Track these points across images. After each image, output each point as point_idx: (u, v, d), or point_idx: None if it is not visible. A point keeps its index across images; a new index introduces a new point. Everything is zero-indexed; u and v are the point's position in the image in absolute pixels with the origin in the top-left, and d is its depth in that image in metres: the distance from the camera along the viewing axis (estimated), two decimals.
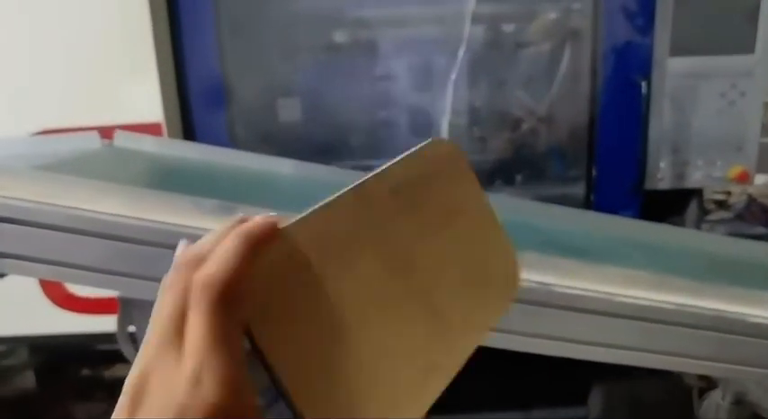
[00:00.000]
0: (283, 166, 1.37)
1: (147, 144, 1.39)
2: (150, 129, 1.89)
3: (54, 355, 2.30)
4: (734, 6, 2.08)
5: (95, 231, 0.84)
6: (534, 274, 0.85)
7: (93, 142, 1.40)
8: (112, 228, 0.84)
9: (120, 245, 0.84)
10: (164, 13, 1.84)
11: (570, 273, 0.90)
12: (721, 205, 3.32)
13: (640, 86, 1.96)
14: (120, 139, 1.40)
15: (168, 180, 1.26)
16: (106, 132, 1.78)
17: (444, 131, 2.02)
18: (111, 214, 0.84)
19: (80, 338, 1.90)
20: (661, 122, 2.13)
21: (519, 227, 1.32)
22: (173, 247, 0.88)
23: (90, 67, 1.86)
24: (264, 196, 1.20)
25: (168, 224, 0.84)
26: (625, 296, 0.90)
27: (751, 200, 3.31)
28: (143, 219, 0.85)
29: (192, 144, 1.53)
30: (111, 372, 2.36)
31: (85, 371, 2.45)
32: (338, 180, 1.41)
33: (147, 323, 0.99)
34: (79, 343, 1.97)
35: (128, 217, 0.84)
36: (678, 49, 2.08)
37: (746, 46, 2.13)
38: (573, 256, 1.03)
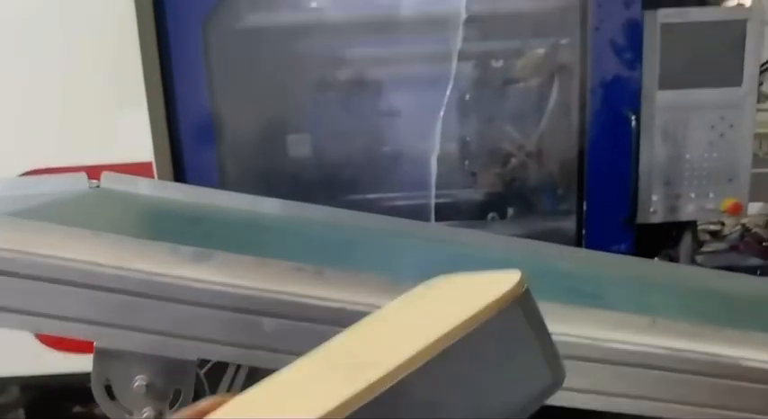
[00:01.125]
0: (272, 206, 1.36)
1: (135, 185, 1.38)
2: (140, 167, 1.89)
3: (44, 393, 2.27)
4: (719, 40, 2.11)
5: (70, 280, 0.82)
6: None
7: (81, 184, 1.39)
8: (88, 277, 0.82)
9: (96, 294, 0.83)
10: (154, 52, 1.86)
11: (558, 317, 0.88)
12: (715, 235, 3.31)
13: (630, 120, 1.97)
14: (108, 181, 1.39)
15: (153, 224, 1.25)
16: (95, 172, 1.79)
17: (433, 167, 2.02)
18: (87, 262, 0.83)
19: (70, 377, 1.86)
20: (652, 155, 2.14)
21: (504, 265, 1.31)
22: (149, 296, 0.87)
23: (80, 106, 1.87)
24: (249, 239, 1.19)
25: (145, 272, 0.83)
26: (613, 340, 0.88)
27: (745, 230, 3.30)
28: (120, 268, 0.83)
29: (181, 185, 1.53)
30: (102, 410, 2.31)
31: (77, 409, 2.41)
32: (327, 219, 1.40)
33: (124, 374, 0.96)
34: (69, 381, 1.94)
35: (104, 265, 0.83)
36: (666, 83, 2.10)
37: (734, 79, 2.16)
38: (561, 297, 1.01)
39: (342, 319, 0.77)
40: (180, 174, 1.93)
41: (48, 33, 1.83)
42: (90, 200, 1.33)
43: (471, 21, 1.92)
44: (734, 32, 2.09)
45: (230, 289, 0.82)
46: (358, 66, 2.05)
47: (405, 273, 1.08)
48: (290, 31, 2.00)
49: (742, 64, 2.12)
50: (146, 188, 1.40)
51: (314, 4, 2.05)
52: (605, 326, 0.89)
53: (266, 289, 0.82)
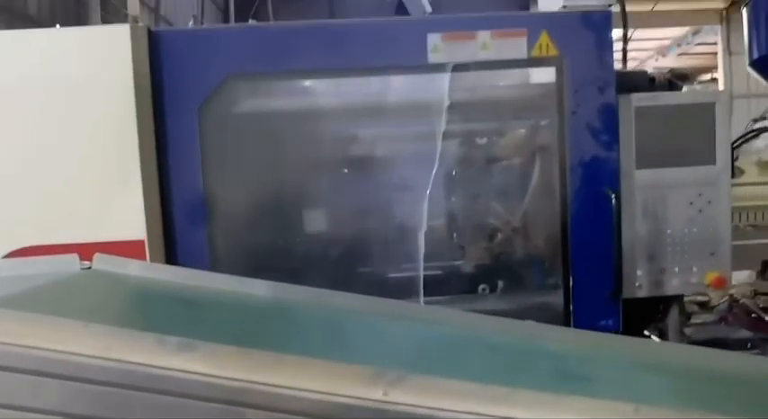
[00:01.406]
0: (260, 288, 1.37)
1: (126, 267, 1.40)
2: (133, 245, 1.91)
3: None
4: (691, 122, 2.22)
5: (56, 372, 0.82)
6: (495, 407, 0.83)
7: (73, 265, 1.41)
8: (73, 369, 0.82)
9: (81, 386, 0.83)
10: (151, 136, 1.93)
11: (545, 407, 0.88)
12: (704, 306, 3.32)
13: (610, 198, 2.04)
14: (100, 262, 1.41)
15: (143, 308, 1.26)
16: (89, 249, 1.80)
17: (422, 242, 2.06)
18: (73, 353, 0.83)
19: None
20: (634, 231, 2.19)
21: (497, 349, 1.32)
22: (135, 388, 0.86)
23: (77, 186, 1.91)
24: (237, 323, 1.19)
25: (131, 363, 0.83)
26: None
27: (733, 301, 3.32)
28: (105, 358, 0.83)
29: (171, 268, 1.55)
30: None
31: None
32: (314, 300, 1.41)
33: None
34: None
35: (89, 356, 0.83)
36: (644, 162, 2.19)
37: (707, 158, 2.25)
38: (551, 381, 1.02)
39: (326, 412, 0.78)
40: (172, 253, 1.95)
41: (50, 116, 1.91)
42: (81, 282, 1.34)
43: (454, 106, 2.02)
44: (704, 115, 2.21)
45: (215, 380, 0.82)
46: (348, 148, 2.14)
47: (395, 359, 1.08)
48: (283, 116, 2.10)
49: (714, 143, 2.23)
50: (137, 270, 1.41)
51: (307, 91, 2.16)
52: (590, 414, 0.89)
53: (250, 380, 0.82)
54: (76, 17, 9.32)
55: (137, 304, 1.31)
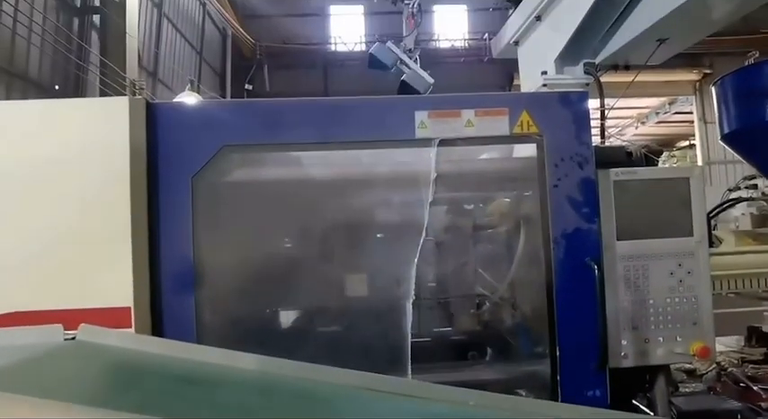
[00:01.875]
0: (246, 361, 1.37)
1: (111, 338, 1.40)
2: (119, 312, 1.91)
3: None
4: (668, 195, 2.31)
5: None
6: None
7: (57, 336, 1.40)
8: None
9: None
10: (143, 206, 1.97)
11: None
12: (691, 374, 3.31)
13: (592, 268, 2.08)
14: (85, 333, 1.40)
15: (125, 383, 1.25)
16: (75, 316, 1.80)
17: (409, 311, 2.07)
18: None
19: None
20: (617, 302, 2.23)
21: None
22: None
23: (66, 253, 1.93)
24: (222, 400, 1.19)
25: None
26: None
27: (721, 369, 3.32)
28: None
29: (156, 339, 1.54)
30: None
31: None
32: (301, 375, 1.40)
33: None
34: None
35: None
36: (624, 234, 2.26)
37: (685, 229, 2.33)
38: None
39: None
40: (158, 320, 1.95)
41: (43, 184, 1.94)
42: (64, 354, 1.33)
43: (441, 178, 2.09)
44: (679, 188, 2.31)
45: None
46: (337, 218, 2.18)
47: None
48: (274, 186, 2.15)
49: (690, 216, 2.31)
50: (121, 341, 1.41)
51: (299, 162, 2.23)
52: None
53: None
54: (76, 80, 9.58)
55: (120, 378, 1.30)
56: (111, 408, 0.95)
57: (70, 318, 1.78)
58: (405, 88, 2.90)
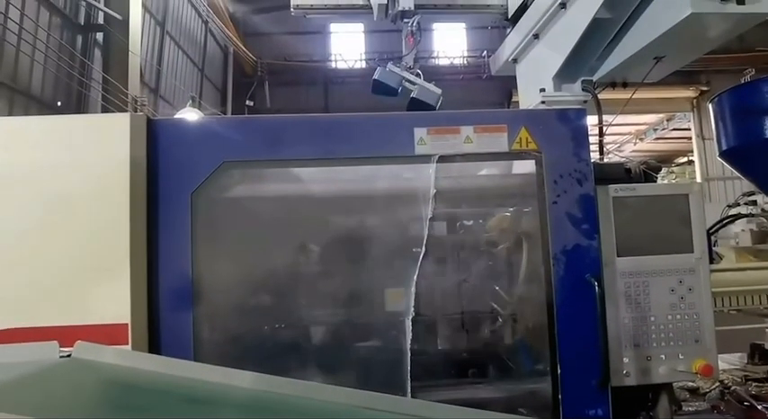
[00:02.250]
0: (243, 380, 1.36)
1: (106, 355, 1.38)
2: (117, 329, 1.90)
3: None
4: (667, 212, 2.31)
5: None
6: None
7: (52, 353, 1.39)
8: None
9: None
10: (143, 220, 1.97)
11: None
12: (695, 392, 3.27)
13: (593, 285, 2.07)
14: (80, 351, 1.39)
15: (119, 402, 1.23)
16: (71, 333, 1.78)
17: (408, 328, 2.05)
18: None
19: None
20: (618, 319, 2.21)
21: None
22: None
23: (63, 269, 1.92)
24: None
25: None
26: None
27: (724, 387, 3.28)
28: None
29: (152, 357, 1.53)
30: None
31: None
32: (299, 394, 1.38)
33: None
34: None
35: None
36: (624, 250, 2.25)
37: (685, 246, 2.32)
38: None
39: None
40: (155, 337, 1.93)
41: (42, 200, 1.94)
42: (59, 372, 1.32)
43: (441, 194, 2.09)
44: (679, 205, 2.31)
45: None
46: (338, 234, 2.18)
47: None
48: (274, 202, 2.15)
49: (690, 232, 2.31)
50: (117, 358, 1.40)
51: (299, 178, 2.23)
52: None
53: None
54: (78, 96, 9.65)
55: (114, 397, 1.28)
56: None
57: (67, 335, 1.76)
58: (416, 105, 2.88)
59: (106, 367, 1.37)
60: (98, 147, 1.99)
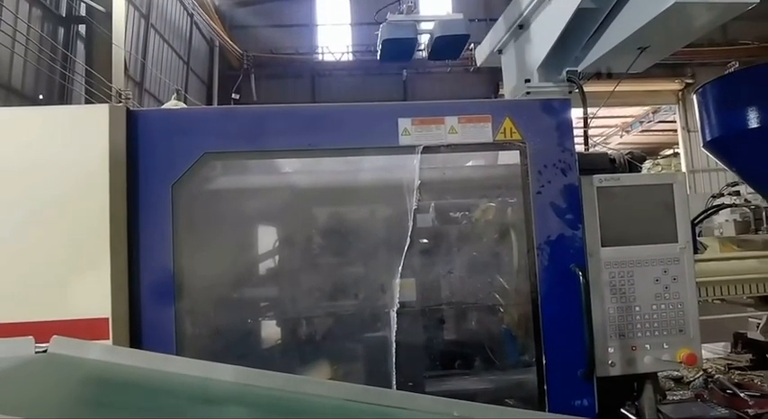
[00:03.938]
0: (225, 373, 1.33)
1: (84, 350, 1.36)
2: (97, 323, 1.87)
3: None
4: (652, 202, 2.32)
5: None
6: None
7: (28, 348, 1.36)
8: None
9: None
10: (123, 212, 1.94)
11: None
12: (679, 381, 3.31)
13: (577, 275, 2.07)
14: (56, 346, 1.36)
15: (94, 399, 1.21)
16: (50, 328, 1.75)
17: (393, 320, 2.04)
18: None
19: None
20: (603, 309, 2.22)
21: None
22: None
23: (43, 263, 1.88)
24: (197, 415, 1.15)
25: None
26: None
27: (708, 376, 3.32)
28: None
29: (130, 351, 1.50)
30: None
31: None
32: (282, 387, 1.36)
33: None
34: None
35: None
36: (609, 240, 2.25)
37: (669, 235, 2.33)
38: None
39: None
40: (137, 331, 1.90)
41: (20, 193, 1.90)
42: (34, 368, 1.29)
43: (425, 185, 2.08)
44: (663, 195, 2.31)
45: None
46: (321, 226, 2.15)
47: None
48: (256, 194, 2.12)
49: (675, 222, 2.32)
50: (95, 353, 1.37)
51: (281, 170, 2.21)
52: None
53: None
54: (61, 89, 9.49)
55: (91, 393, 1.26)
56: None
57: (45, 330, 1.72)
58: (443, 46, 2.42)
59: (84, 362, 1.34)
60: (77, 140, 1.95)
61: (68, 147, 1.94)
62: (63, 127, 1.97)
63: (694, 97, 3.69)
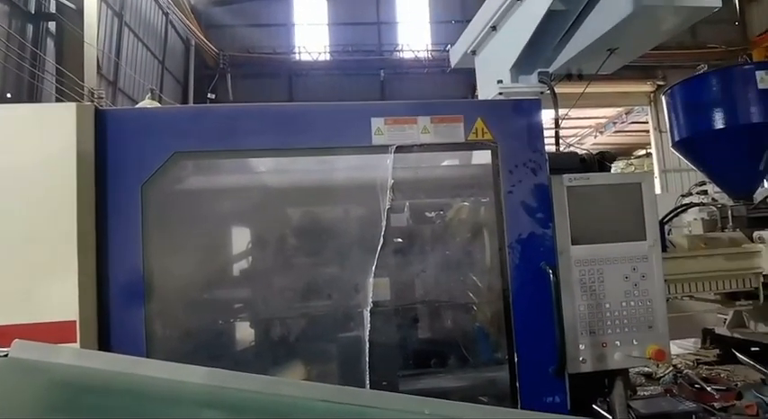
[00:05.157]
0: (195, 375, 1.32)
1: (47, 354, 1.33)
2: (64, 327, 1.83)
3: None
4: (620, 201, 2.36)
5: None
6: None
7: None
8: None
9: None
10: (91, 213, 1.90)
11: None
12: (650, 377, 3.38)
13: (547, 273, 2.10)
14: (19, 350, 1.33)
15: (55, 400, 1.18)
16: (15, 332, 1.71)
17: (367, 319, 2.04)
18: None
19: None
20: (574, 306, 2.25)
21: None
22: None
23: (7, 265, 1.84)
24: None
25: None
26: None
27: (677, 372, 3.40)
28: None
29: (97, 353, 1.47)
30: None
31: None
32: (255, 389, 1.35)
33: None
34: None
35: None
36: (578, 239, 2.29)
37: (638, 234, 2.38)
38: None
39: None
40: (105, 334, 1.87)
41: None
42: None
43: (398, 185, 2.09)
44: (631, 194, 2.36)
45: None
46: (294, 225, 2.14)
47: None
48: (227, 194, 2.10)
49: (643, 220, 2.36)
50: (59, 357, 1.34)
51: (252, 170, 2.19)
52: None
53: None
54: (30, 88, 9.26)
55: (49, 399, 1.23)
56: None
57: (11, 334, 1.68)
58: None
59: (45, 366, 1.31)
60: (42, 139, 1.91)
61: (34, 147, 1.90)
62: (28, 126, 1.92)
63: (663, 98, 3.77)
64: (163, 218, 1.99)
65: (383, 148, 2.06)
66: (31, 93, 9.26)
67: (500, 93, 2.55)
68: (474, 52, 3.11)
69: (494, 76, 2.70)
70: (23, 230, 1.85)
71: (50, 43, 9.86)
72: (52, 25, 9.86)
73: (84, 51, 9.85)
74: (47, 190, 1.87)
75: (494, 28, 2.81)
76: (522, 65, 2.63)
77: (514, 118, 2.15)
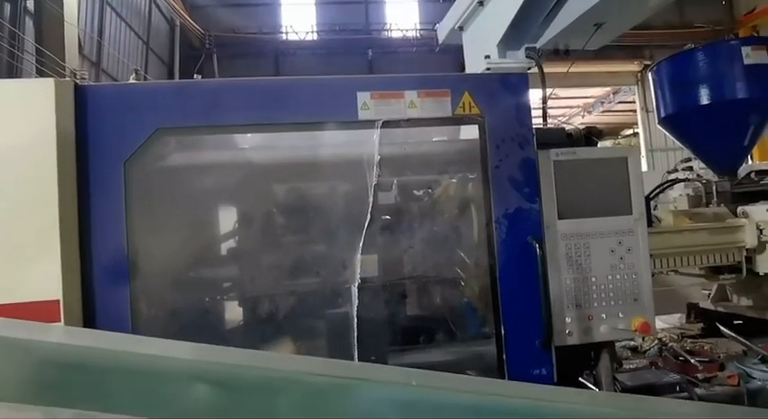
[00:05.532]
0: (182, 351, 1.31)
1: (30, 332, 1.31)
2: (48, 306, 1.81)
3: None
4: (607, 175, 2.37)
5: None
6: None
7: None
8: None
9: None
10: (73, 190, 1.87)
11: None
12: (635, 351, 3.44)
13: (534, 247, 2.11)
14: (1, 328, 1.31)
15: (37, 377, 1.17)
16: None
17: (355, 295, 2.05)
18: None
19: None
20: (560, 280, 2.27)
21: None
22: None
23: None
24: (146, 395, 1.13)
25: None
26: None
27: (662, 345, 3.46)
28: None
29: (81, 330, 1.47)
30: None
31: None
32: (243, 363, 1.35)
33: None
34: None
35: None
36: (565, 213, 2.30)
37: (624, 208, 2.39)
38: None
39: None
40: (90, 313, 1.85)
41: None
42: None
43: (385, 161, 2.07)
44: (618, 168, 2.37)
45: None
46: (280, 202, 2.13)
47: None
48: (212, 170, 2.07)
49: (629, 195, 2.38)
50: (42, 334, 1.32)
51: (237, 146, 2.16)
52: None
53: None
54: (9, 68, 9.06)
55: (32, 372, 1.22)
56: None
57: None
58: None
59: (28, 344, 1.30)
60: (21, 117, 1.86)
61: (11, 125, 1.85)
62: (4, 103, 1.88)
63: (650, 75, 3.77)
64: (146, 196, 1.96)
65: (369, 123, 2.05)
66: (10, 73, 9.06)
67: (488, 69, 2.53)
68: (461, 28, 3.08)
69: (481, 52, 2.68)
70: (4, 209, 1.82)
71: (29, 22, 9.62)
72: (31, 4, 9.62)
73: (64, 31, 9.63)
74: (27, 169, 1.84)
75: (481, 3, 2.78)
76: (510, 40, 2.61)
77: (502, 92, 2.13)
